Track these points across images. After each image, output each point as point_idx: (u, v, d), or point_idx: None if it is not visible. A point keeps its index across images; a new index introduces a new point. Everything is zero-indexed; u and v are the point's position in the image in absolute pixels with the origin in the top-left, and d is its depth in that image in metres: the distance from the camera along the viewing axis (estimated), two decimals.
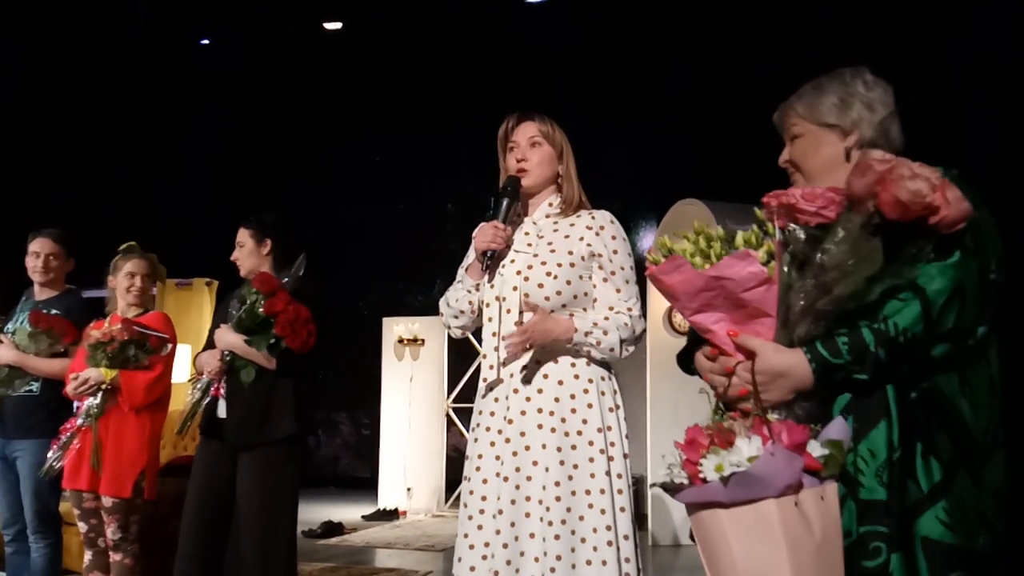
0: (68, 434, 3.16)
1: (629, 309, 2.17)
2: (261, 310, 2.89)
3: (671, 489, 1.36)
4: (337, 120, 9.17)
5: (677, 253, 1.40)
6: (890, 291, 1.36)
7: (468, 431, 2.30)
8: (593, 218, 2.22)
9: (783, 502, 1.26)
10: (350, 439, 10.04)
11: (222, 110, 9.04)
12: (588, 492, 2.04)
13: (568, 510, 2.03)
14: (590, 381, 2.13)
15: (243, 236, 3.21)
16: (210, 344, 3.15)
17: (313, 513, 6.76)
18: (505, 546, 2.04)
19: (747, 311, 1.39)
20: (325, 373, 7.68)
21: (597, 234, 2.19)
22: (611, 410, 2.14)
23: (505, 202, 2.20)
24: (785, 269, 1.38)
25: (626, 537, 2.05)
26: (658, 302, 6.25)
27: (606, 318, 2.14)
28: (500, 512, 2.06)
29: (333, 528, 6.42)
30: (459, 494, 2.26)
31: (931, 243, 1.35)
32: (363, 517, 7.27)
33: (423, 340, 7.83)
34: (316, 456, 10.00)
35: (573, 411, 2.09)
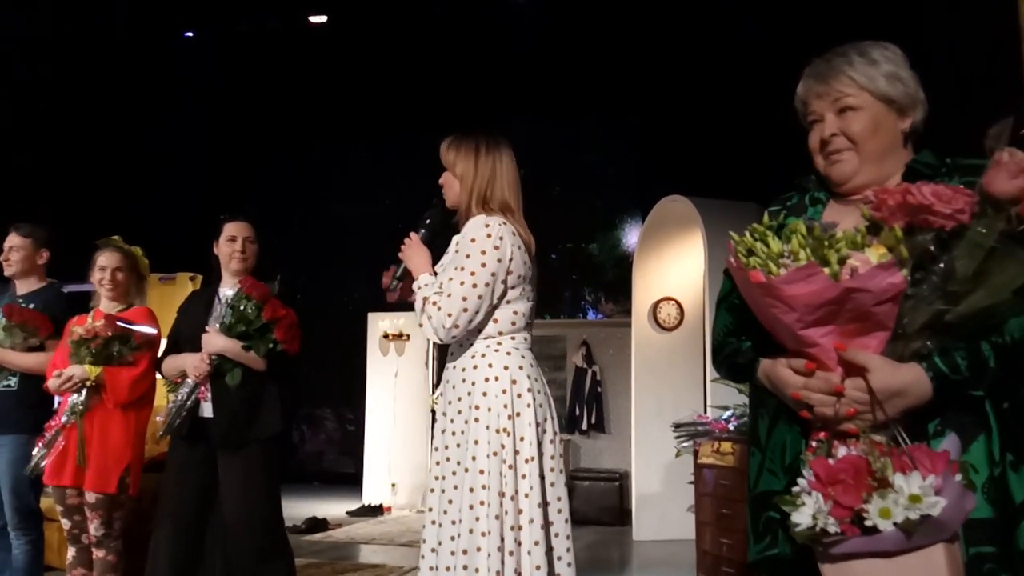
0: (53, 432, 3.14)
1: (436, 304, 2.19)
2: (262, 316, 2.91)
3: (826, 542, 1.17)
4: (321, 116, 9.14)
5: (811, 260, 1.19)
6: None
7: None
8: (465, 225, 2.31)
9: (952, 545, 1.14)
10: (335, 435, 10.01)
11: (206, 104, 8.98)
12: (482, 472, 2.13)
13: (466, 491, 2.16)
14: (505, 368, 2.21)
15: (251, 232, 3.17)
16: (173, 348, 3.12)
17: (297, 509, 6.75)
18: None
19: (864, 325, 1.21)
20: (310, 369, 7.66)
21: (462, 237, 2.28)
22: (519, 396, 2.19)
23: (427, 221, 2.39)
24: (908, 277, 1.21)
25: (531, 521, 2.12)
26: (643, 297, 6.27)
27: (438, 292, 2.22)
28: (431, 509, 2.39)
29: (317, 524, 6.42)
30: None
31: None
32: (348, 513, 7.27)
33: (408, 335, 7.83)
34: (301, 452, 9.98)
35: (476, 406, 2.18)
